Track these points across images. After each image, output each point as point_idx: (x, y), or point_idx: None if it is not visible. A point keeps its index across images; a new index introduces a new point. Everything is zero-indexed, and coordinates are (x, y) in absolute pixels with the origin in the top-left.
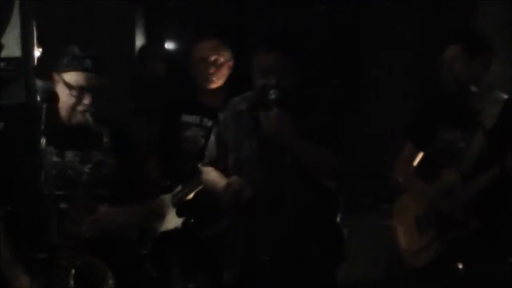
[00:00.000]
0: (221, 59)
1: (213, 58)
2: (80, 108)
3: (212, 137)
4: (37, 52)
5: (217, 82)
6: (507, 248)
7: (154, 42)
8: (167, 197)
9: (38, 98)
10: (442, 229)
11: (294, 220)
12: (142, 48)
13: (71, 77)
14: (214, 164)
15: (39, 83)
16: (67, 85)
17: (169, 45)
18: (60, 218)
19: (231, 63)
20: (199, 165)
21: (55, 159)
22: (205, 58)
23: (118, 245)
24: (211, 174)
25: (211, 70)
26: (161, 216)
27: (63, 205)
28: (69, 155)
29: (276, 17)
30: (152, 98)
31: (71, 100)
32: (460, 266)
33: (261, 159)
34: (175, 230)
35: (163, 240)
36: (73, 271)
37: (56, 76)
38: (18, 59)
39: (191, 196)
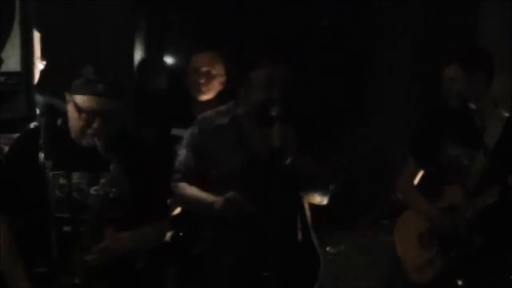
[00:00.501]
0: (214, 71)
1: (205, 69)
2: (89, 131)
3: (187, 152)
4: (41, 65)
5: (208, 93)
6: (510, 265)
7: (154, 56)
8: None
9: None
10: (445, 246)
11: (281, 234)
12: (142, 61)
13: (82, 100)
14: (190, 179)
15: (39, 97)
16: (77, 107)
17: (169, 59)
18: (64, 240)
19: (223, 79)
20: (175, 183)
21: (61, 181)
22: (197, 69)
23: (115, 262)
24: (192, 190)
25: (202, 80)
26: (164, 237)
27: (67, 228)
28: (75, 176)
29: (276, 27)
30: (155, 112)
31: (80, 123)
32: (460, 283)
33: (251, 173)
34: (165, 244)
35: (157, 254)
36: None
37: (68, 96)
38: (18, 73)
39: (178, 210)
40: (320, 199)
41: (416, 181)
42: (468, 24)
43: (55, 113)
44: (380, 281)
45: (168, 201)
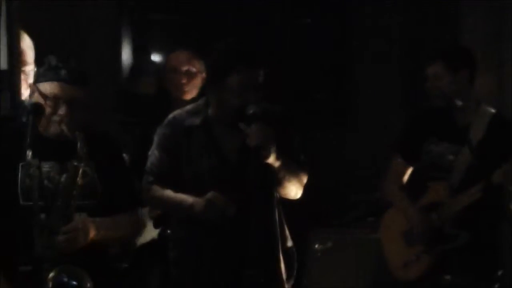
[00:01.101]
0: (193, 69)
1: (185, 68)
2: (55, 118)
3: (159, 153)
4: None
5: (191, 92)
6: (495, 261)
7: (140, 54)
8: (145, 210)
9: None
10: (430, 243)
11: (257, 233)
12: (128, 60)
13: (46, 87)
14: (164, 181)
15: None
16: (42, 95)
17: (154, 57)
18: (41, 229)
19: (204, 74)
20: (146, 185)
21: (32, 171)
22: (177, 68)
23: (99, 261)
24: (168, 192)
25: (184, 80)
26: (140, 228)
27: (43, 216)
28: (46, 166)
29: (262, 31)
30: (139, 110)
31: (47, 111)
32: (447, 278)
33: (222, 174)
34: (152, 243)
35: (143, 254)
36: (50, 284)
37: (32, 87)
38: (3, 72)
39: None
40: (294, 193)
41: (404, 179)
42: (451, 22)
43: (42, 112)
44: (367, 278)
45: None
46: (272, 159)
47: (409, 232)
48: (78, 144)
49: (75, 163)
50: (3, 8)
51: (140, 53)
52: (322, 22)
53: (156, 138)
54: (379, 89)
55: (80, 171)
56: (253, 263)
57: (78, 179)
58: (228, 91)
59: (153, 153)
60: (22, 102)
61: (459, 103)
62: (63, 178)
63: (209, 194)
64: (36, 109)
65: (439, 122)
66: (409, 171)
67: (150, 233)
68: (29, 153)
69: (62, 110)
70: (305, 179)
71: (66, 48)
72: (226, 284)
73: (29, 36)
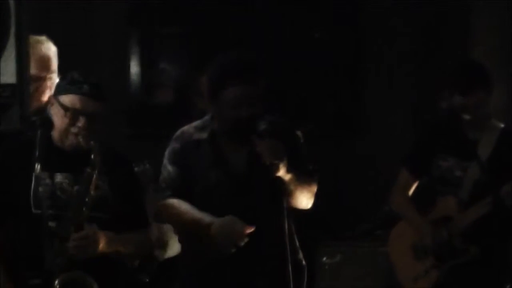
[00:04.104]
0: None
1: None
2: (73, 130)
3: (172, 167)
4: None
5: None
6: (504, 275)
7: (149, 68)
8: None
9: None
10: (440, 257)
11: (267, 246)
12: (137, 74)
13: (67, 99)
14: (180, 194)
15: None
16: (63, 106)
17: (164, 71)
18: (51, 236)
19: None
20: (161, 201)
21: (45, 181)
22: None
23: (117, 272)
24: (187, 206)
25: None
26: (151, 248)
27: (53, 225)
28: (59, 177)
29: (273, 43)
30: (148, 123)
31: (65, 122)
32: None
33: (231, 188)
34: (176, 257)
35: (167, 268)
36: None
37: (52, 99)
38: (13, 86)
39: None
40: (306, 203)
41: (410, 192)
42: (462, 35)
43: (51, 125)
44: None
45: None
46: (282, 172)
47: (419, 246)
48: (92, 154)
49: (89, 170)
50: (13, 21)
51: (149, 66)
52: (333, 34)
53: (166, 153)
54: (388, 102)
55: (94, 178)
56: (263, 274)
57: (91, 187)
58: (225, 104)
59: (165, 169)
60: (30, 116)
61: (467, 117)
62: (76, 190)
63: (225, 218)
64: (45, 123)
65: (448, 137)
66: (415, 184)
67: (174, 247)
68: (38, 167)
69: (81, 123)
70: (315, 188)
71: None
72: None
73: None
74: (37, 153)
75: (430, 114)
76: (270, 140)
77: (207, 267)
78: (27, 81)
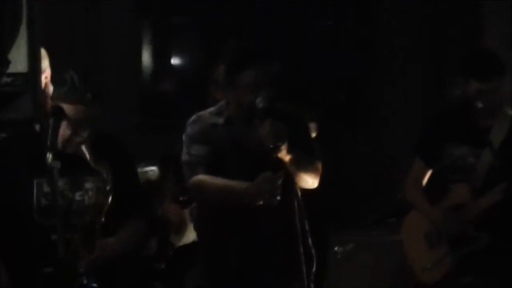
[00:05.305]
0: None
1: None
2: (77, 139)
3: (197, 145)
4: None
5: None
6: None
7: (160, 58)
8: (186, 211)
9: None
10: (453, 245)
11: (279, 233)
12: (147, 62)
13: (70, 109)
14: (210, 171)
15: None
16: (65, 116)
17: (174, 61)
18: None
19: None
20: (193, 178)
21: (45, 189)
22: None
23: (131, 262)
24: (218, 179)
25: None
26: (179, 230)
27: (54, 237)
28: (60, 183)
29: (280, 32)
30: (159, 113)
31: (68, 132)
32: (470, 279)
33: (247, 172)
34: (192, 244)
35: (181, 254)
36: None
37: (52, 106)
38: (25, 74)
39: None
40: (311, 183)
41: (424, 181)
42: (473, 25)
43: (63, 115)
44: (388, 280)
45: (181, 198)
46: (283, 153)
47: (432, 233)
48: (102, 173)
49: (93, 183)
50: (24, 9)
51: (160, 56)
52: (344, 23)
53: (186, 136)
54: (398, 89)
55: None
56: (276, 254)
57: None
58: (241, 88)
59: (192, 148)
60: (41, 105)
61: (480, 105)
62: (77, 196)
63: (260, 176)
64: (57, 112)
65: (459, 124)
66: (429, 173)
67: (192, 234)
68: (50, 156)
69: (85, 132)
70: (320, 167)
71: (85, 52)
72: (252, 280)
73: (47, 40)
74: (49, 143)
75: (440, 103)
76: (271, 121)
77: (221, 253)
78: (39, 70)
